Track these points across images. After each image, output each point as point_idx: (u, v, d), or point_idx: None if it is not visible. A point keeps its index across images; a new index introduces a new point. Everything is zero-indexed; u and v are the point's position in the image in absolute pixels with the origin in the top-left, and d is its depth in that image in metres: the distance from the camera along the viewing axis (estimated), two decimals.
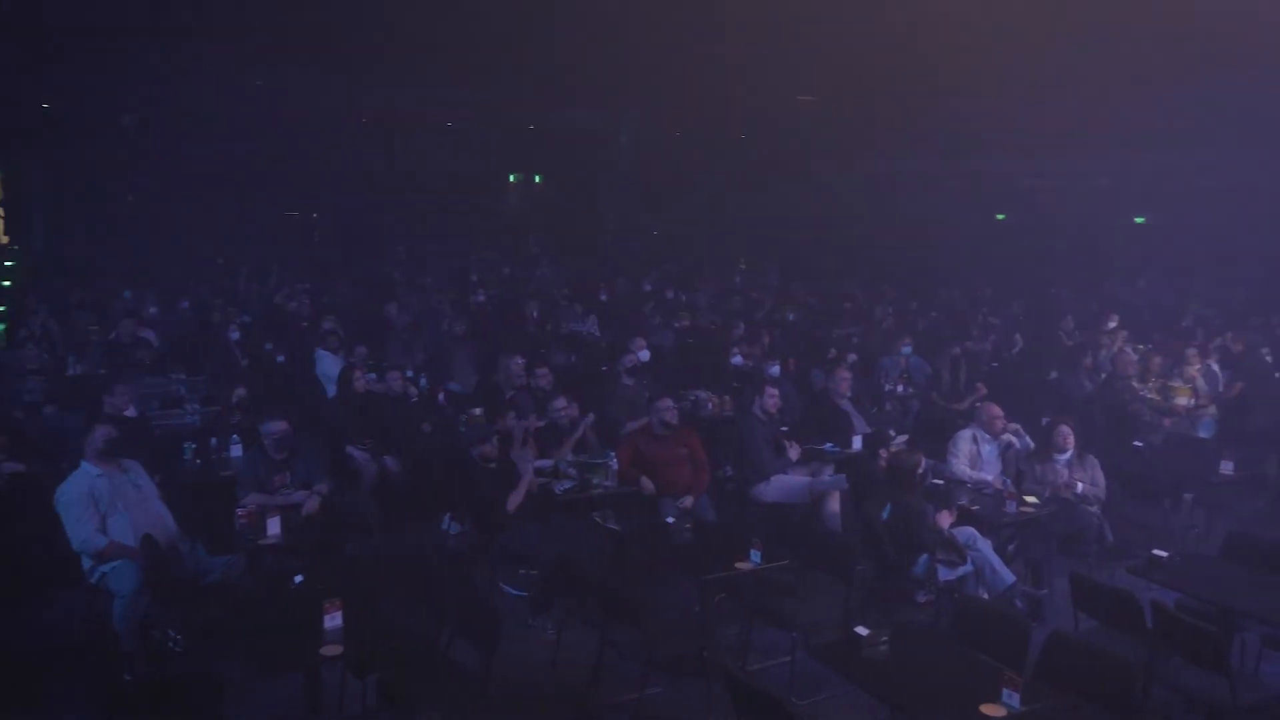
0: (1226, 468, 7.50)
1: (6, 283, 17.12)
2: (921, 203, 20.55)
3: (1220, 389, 10.10)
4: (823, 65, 16.93)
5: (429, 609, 5.25)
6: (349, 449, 7.93)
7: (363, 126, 19.66)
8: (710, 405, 9.19)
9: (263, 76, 14.76)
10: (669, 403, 7.37)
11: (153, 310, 13.19)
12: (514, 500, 6.63)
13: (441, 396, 9.76)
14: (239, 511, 6.13)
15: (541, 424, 7.95)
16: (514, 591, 6.75)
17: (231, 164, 18.98)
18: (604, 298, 15.94)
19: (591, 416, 7.98)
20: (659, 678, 5.52)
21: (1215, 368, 10.31)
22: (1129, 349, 10.88)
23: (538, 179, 25.41)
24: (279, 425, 6.64)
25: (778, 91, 18.68)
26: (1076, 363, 10.71)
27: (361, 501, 7.09)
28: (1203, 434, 9.06)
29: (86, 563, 5.69)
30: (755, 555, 5.66)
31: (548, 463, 7.40)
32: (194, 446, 7.53)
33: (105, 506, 5.72)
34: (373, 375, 9.14)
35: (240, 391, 8.07)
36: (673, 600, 6.26)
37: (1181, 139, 16.35)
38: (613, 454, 7.20)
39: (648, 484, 7.09)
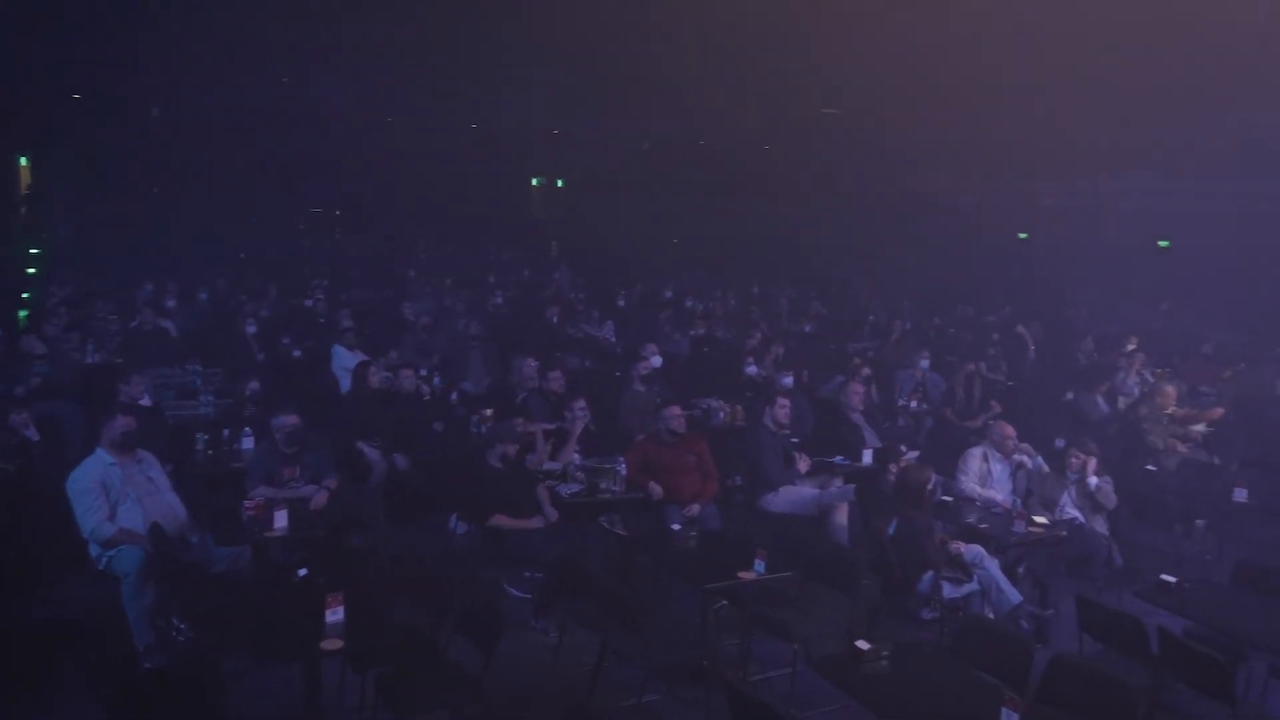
0: (1240, 495, 7.41)
1: (31, 270, 17.35)
2: (944, 219, 20.45)
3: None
4: (848, 78, 16.95)
5: (431, 607, 5.26)
6: (360, 445, 7.97)
7: (388, 126, 19.75)
8: (722, 414, 9.18)
9: (289, 73, 14.85)
10: (677, 410, 7.38)
11: (171, 303, 13.31)
12: (526, 524, 6.62)
13: (454, 396, 9.80)
14: (246, 504, 6.17)
15: (553, 427, 7.96)
16: (517, 593, 6.75)
17: (256, 160, 19.15)
18: (621, 304, 15.96)
19: (587, 415, 7.95)
20: (658, 684, 5.52)
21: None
22: (1147, 373, 10.81)
23: (560, 183, 25.50)
24: (290, 419, 6.68)
25: (802, 103, 18.69)
26: (1093, 384, 10.63)
27: (369, 498, 7.12)
28: (1217, 460, 8.97)
29: (94, 549, 5.73)
30: (760, 565, 5.64)
31: (557, 465, 7.41)
32: (206, 438, 7.58)
33: (116, 495, 5.78)
34: (387, 374, 9.19)
35: (253, 385, 8.13)
36: (675, 607, 6.26)
37: (1209, 164, 16.25)
38: (621, 459, 7.19)
39: (656, 489, 7.08)
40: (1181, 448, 9.08)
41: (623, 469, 7.09)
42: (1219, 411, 9.79)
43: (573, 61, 14.19)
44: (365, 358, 9.83)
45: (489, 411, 8.18)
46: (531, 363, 8.98)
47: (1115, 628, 5.18)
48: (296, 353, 11.38)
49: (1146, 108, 15.28)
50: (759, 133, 21.00)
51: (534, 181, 25.47)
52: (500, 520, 6.51)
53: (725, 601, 6.15)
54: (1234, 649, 5.19)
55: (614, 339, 13.27)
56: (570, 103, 17.73)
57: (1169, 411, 9.35)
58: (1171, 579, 5.65)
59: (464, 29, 12.02)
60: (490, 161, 21.53)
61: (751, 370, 10.51)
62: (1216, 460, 8.99)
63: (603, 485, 7.01)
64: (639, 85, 16.24)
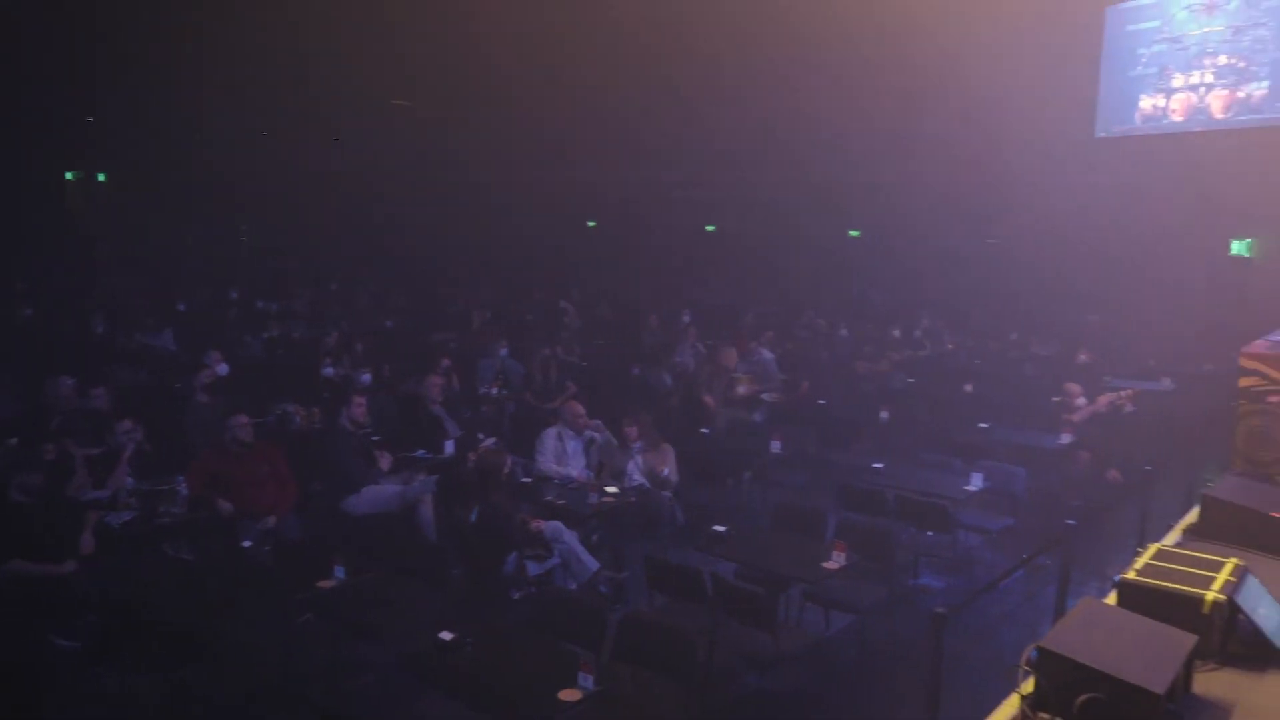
0: (775, 447, 8.48)
1: None
2: (519, 209, 21.02)
3: (776, 374, 11.33)
4: (416, 71, 16.94)
5: None
6: None
7: None
8: (298, 418, 8.76)
9: None
10: (243, 419, 6.96)
11: None
12: (85, 544, 5.86)
13: None
14: None
15: (97, 451, 7.11)
16: (67, 644, 5.96)
17: None
18: (182, 308, 14.67)
19: (138, 434, 7.23)
20: (240, 714, 5.17)
21: (767, 354, 11.54)
22: (700, 345, 11.94)
23: (101, 177, 22.73)
24: None
25: (371, 94, 18.33)
26: (658, 359, 11.56)
27: None
28: (758, 418, 10.16)
29: None
30: (339, 570, 5.47)
31: (105, 493, 6.63)
32: None
33: None
34: None
35: None
36: (256, 628, 5.88)
37: (741, 158, 18.33)
38: (182, 478, 6.61)
39: (225, 506, 6.61)
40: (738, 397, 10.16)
41: (184, 489, 6.52)
42: (806, 386, 11.00)
43: (104, 42, 12.72)
44: None
45: (15, 440, 7.11)
46: (67, 381, 7.96)
47: (678, 580, 5.69)
48: None
49: (696, 108, 17.01)
50: (328, 125, 20.28)
51: (68, 175, 22.45)
52: (19, 566, 5.69)
53: (310, 614, 5.90)
54: (774, 582, 5.93)
55: (174, 347, 12.13)
56: (106, 87, 15.90)
57: (733, 374, 10.46)
58: (722, 529, 6.31)
59: None
60: (9, 152, 18.62)
61: (329, 371, 10.14)
62: (758, 418, 10.18)
63: (161, 509, 6.40)
64: (187, 70, 14.97)
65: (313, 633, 5.94)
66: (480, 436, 7.88)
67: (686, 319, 13.06)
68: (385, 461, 7.52)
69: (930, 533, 7.18)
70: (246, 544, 6.10)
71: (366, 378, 9.45)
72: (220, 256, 20.57)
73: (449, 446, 7.90)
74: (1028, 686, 2.70)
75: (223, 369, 9.29)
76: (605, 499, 6.99)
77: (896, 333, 13.56)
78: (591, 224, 22.99)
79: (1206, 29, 13.26)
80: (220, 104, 17.58)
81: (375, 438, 7.91)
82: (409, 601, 5.99)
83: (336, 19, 14.17)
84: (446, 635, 4.63)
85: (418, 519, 7.29)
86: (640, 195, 20.94)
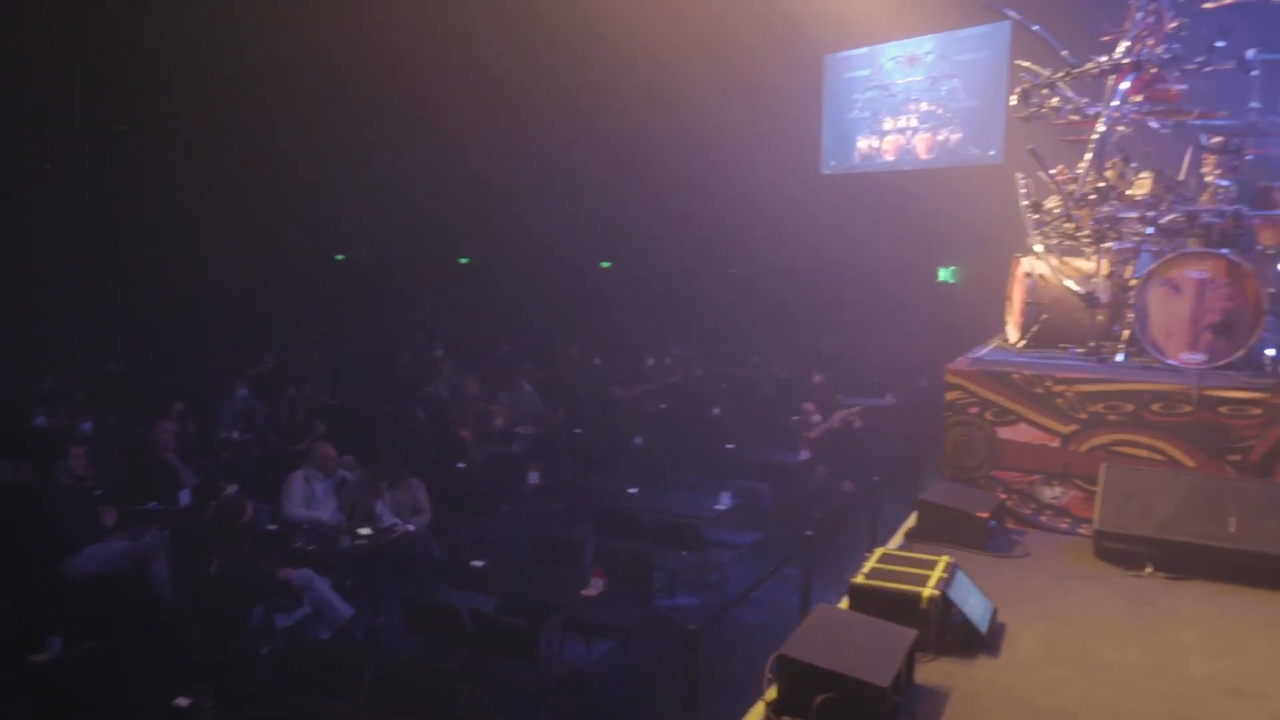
0: (533, 478, 8.50)
1: None
2: (254, 240, 19.86)
3: (540, 406, 11.38)
4: (142, 96, 15.84)
5: None
6: None
7: None
8: (3, 474, 7.86)
9: None
10: None
11: None
12: None
13: None
14: None
15: None
16: None
17: None
18: None
19: None
20: None
21: (529, 388, 11.58)
22: (455, 379, 11.79)
23: None
24: None
25: (90, 118, 16.95)
26: (411, 394, 11.31)
27: None
28: (516, 450, 10.15)
29: None
30: (56, 643, 4.95)
31: None
32: None
33: None
34: None
35: None
36: None
37: (497, 188, 18.37)
38: None
39: None
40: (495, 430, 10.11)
41: None
42: (563, 412, 10.99)
43: None
44: None
45: None
46: None
47: (436, 619, 5.57)
48: None
49: (445, 136, 16.92)
50: (37, 147, 18.45)
51: None
52: None
53: (22, 695, 5.29)
54: (535, 613, 5.92)
55: None
56: None
57: (490, 406, 10.40)
58: (480, 563, 6.25)
59: None
60: None
61: (41, 421, 9.18)
62: (516, 450, 10.17)
63: None
64: None
65: (26, 716, 5.33)
66: (221, 484, 7.38)
67: (440, 353, 12.87)
68: (110, 517, 6.89)
69: (685, 552, 7.42)
70: None
71: (88, 426, 8.63)
72: None
73: (185, 496, 7.34)
74: (772, 693, 2.85)
75: None
76: (359, 541, 6.74)
77: (650, 360, 13.98)
78: (339, 257, 22.20)
79: (910, 79, 14.71)
80: None
81: (98, 492, 7.24)
82: (139, 670, 5.52)
83: (56, 38, 13.07)
84: (183, 701, 4.31)
85: (150, 577, 6.72)
86: (389, 227, 20.46)
